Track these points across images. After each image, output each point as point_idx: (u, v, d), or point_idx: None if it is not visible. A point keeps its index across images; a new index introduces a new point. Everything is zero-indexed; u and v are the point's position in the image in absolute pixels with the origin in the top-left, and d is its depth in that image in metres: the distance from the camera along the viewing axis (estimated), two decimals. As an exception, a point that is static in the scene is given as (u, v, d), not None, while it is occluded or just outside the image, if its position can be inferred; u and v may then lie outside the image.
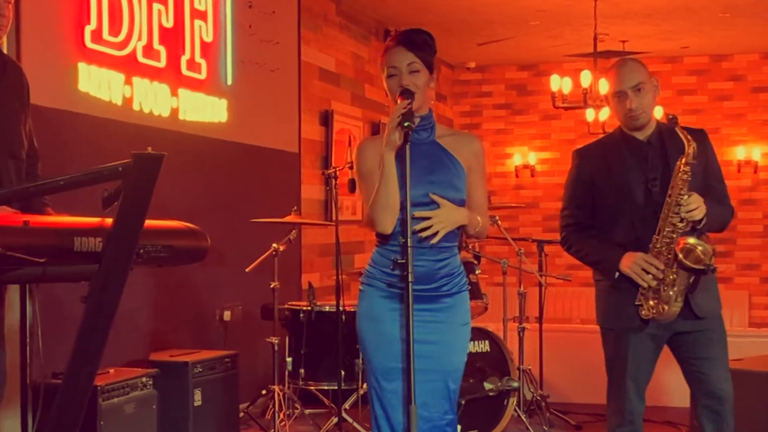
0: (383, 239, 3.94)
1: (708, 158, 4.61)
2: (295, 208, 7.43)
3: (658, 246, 4.43)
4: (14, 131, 4.09)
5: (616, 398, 4.65)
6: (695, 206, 4.36)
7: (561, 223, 4.84)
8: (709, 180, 4.59)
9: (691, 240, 4.35)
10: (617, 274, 4.51)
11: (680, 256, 4.34)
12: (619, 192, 4.56)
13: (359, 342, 4.03)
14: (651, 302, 4.43)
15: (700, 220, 4.40)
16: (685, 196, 4.36)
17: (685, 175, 4.38)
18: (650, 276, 4.41)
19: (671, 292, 4.39)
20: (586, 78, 9.89)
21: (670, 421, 7.29)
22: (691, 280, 4.38)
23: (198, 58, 7.30)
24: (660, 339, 4.57)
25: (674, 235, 4.39)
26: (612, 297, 4.61)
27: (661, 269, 4.39)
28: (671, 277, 4.39)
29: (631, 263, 4.46)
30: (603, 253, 4.60)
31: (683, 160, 4.39)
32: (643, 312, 4.45)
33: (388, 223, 3.85)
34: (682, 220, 4.37)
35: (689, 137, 4.40)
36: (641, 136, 4.58)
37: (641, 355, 4.56)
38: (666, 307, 4.40)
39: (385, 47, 4.02)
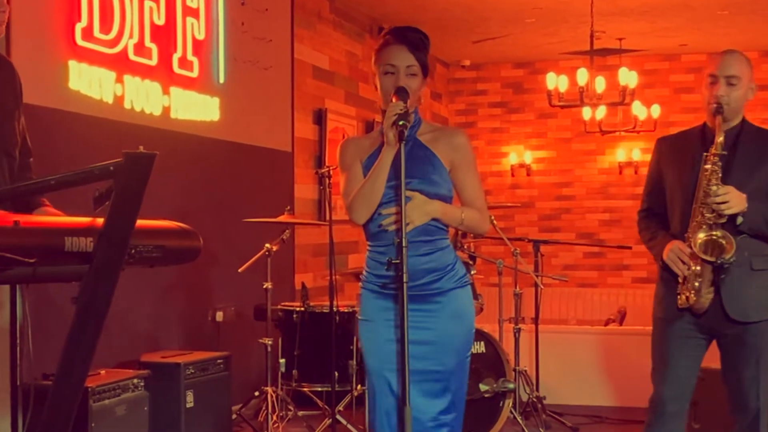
0: (369, 240, 4.00)
1: None
2: (289, 207, 7.43)
3: (690, 236, 4.43)
4: (8, 129, 4.09)
5: (653, 390, 4.61)
6: (725, 199, 4.33)
7: (639, 209, 4.88)
8: None
9: (705, 233, 4.35)
10: (662, 262, 4.54)
11: (695, 248, 4.35)
12: (676, 182, 4.57)
13: (360, 343, 4.09)
14: (685, 292, 4.44)
15: (735, 216, 4.36)
16: (714, 187, 4.35)
17: (715, 167, 4.37)
18: (685, 265, 4.42)
19: (697, 283, 4.39)
20: (582, 76, 9.90)
21: (667, 423, 7.29)
22: (714, 272, 4.37)
23: (190, 56, 7.30)
24: (702, 336, 4.54)
25: (704, 226, 4.38)
26: (661, 286, 4.63)
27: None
28: (696, 268, 4.39)
29: (668, 252, 4.48)
30: (655, 240, 4.63)
31: (711, 151, 4.38)
32: (679, 301, 4.46)
33: (362, 216, 3.90)
34: (712, 212, 4.36)
35: (721, 129, 4.40)
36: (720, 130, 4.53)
37: (680, 348, 4.52)
38: (694, 298, 4.40)
39: (383, 42, 4.00)
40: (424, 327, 3.90)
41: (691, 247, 4.39)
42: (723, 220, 4.37)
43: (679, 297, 4.47)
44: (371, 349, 3.99)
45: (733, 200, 4.34)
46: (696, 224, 4.40)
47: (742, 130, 4.54)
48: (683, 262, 4.43)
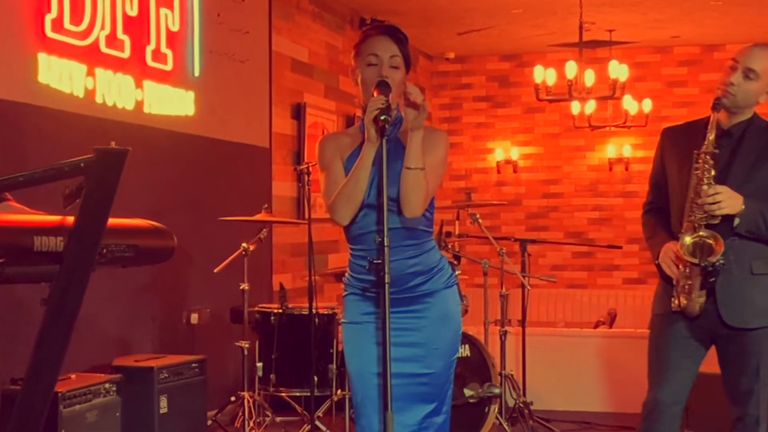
0: (350, 243, 4.02)
1: None
2: (266, 205, 7.43)
3: (680, 237, 4.44)
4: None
5: (648, 392, 4.61)
6: (716, 200, 4.32)
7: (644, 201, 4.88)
8: None
9: (691, 234, 4.35)
10: (657, 262, 4.55)
11: (681, 249, 4.36)
12: (675, 177, 4.56)
13: (342, 347, 4.11)
14: (677, 295, 4.45)
15: (732, 218, 4.35)
16: (705, 187, 4.34)
17: (707, 165, 4.36)
18: (676, 267, 4.45)
19: (686, 286, 4.41)
20: (571, 69, 9.90)
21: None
22: (703, 275, 4.37)
23: (164, 49, 7.30)
24: (701, 337, 4.53)
25: (695, 227, 4.37)
26: (660, 285, 4.64)
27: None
28: (686, 270, 4.40)
29: (662, 254, 4.50)
30: (654, 240, 4.64)
31: (702, 150, 4.37)
32: (672, 304, 4.47)
33: (346, 216, 3.89)
34: (703, 213, 4.35)
35: (714, 126, 4.39)
36: (726, 124, 4.51)
37: (678, 349, 4.52)
38: (685, 301, 4.41)
39: (364, 34, 4.03)
40: (411, 329, 3.94)
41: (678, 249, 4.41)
42: (716, 221, 4.36)
43: (672, 300, 4.47)
44: (354, 350, 4.01)
45: (726, 201, 4.33)
46: (688, 224, 4.40)
47: (750, 126, 4.53)
48: (676, 265, 4.45)
